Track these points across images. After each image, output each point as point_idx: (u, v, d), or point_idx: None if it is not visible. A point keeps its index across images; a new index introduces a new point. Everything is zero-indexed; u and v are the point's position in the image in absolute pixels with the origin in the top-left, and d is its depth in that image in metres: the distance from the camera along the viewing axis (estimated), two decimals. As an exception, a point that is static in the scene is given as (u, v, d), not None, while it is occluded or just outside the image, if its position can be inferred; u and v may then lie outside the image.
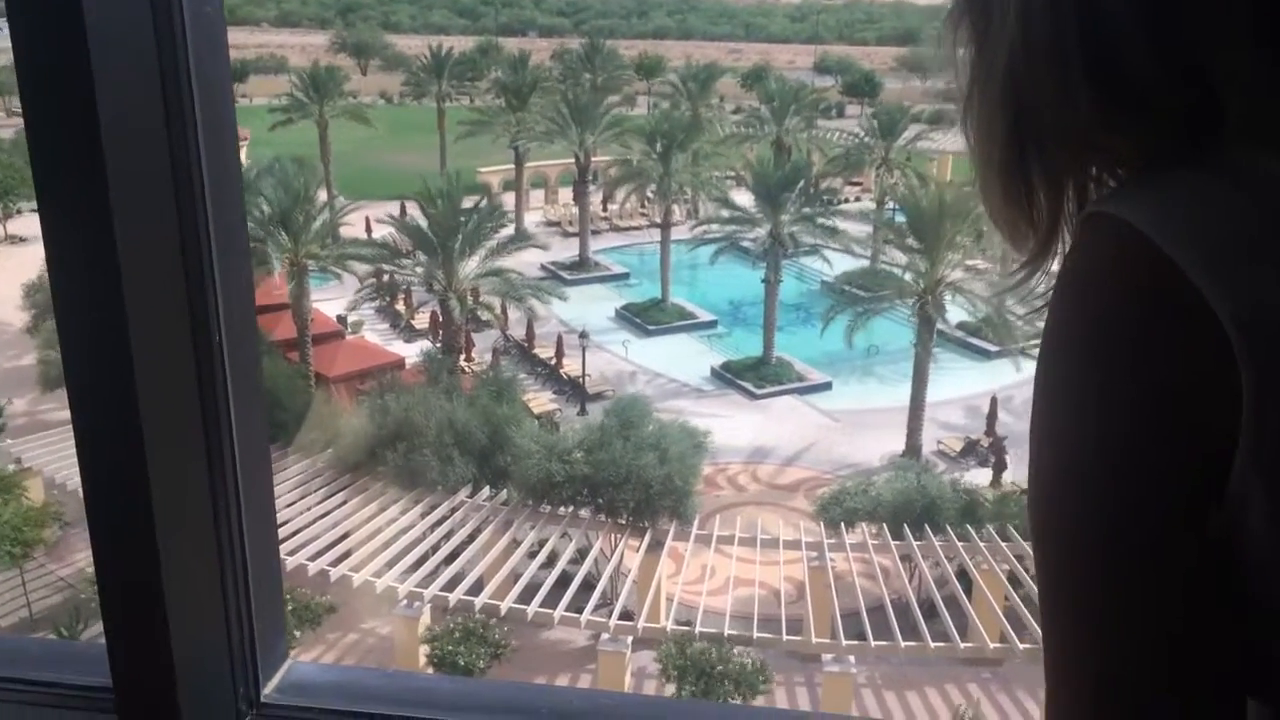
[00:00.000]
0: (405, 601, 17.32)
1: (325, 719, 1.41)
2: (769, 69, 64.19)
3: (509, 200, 40.99)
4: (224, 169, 1.27)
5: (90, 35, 1.08)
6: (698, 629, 16.64)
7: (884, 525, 19.33)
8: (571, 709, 1.42)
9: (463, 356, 28.00)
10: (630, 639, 16.89)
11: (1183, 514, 0.68)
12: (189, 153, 1.23)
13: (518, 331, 30.93)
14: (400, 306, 32.05)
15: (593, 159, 40.41)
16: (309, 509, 19.43)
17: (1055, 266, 0.81)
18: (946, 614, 17.31)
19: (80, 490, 1.30)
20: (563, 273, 37.68)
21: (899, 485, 19.92)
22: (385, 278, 29.94)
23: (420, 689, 1.51)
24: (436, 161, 46.55)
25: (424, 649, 16.83)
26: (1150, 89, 0.72)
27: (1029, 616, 16.54)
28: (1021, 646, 16.22)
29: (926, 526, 18.89)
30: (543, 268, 36.98)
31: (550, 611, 16.88)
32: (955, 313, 27.58)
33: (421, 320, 31.32)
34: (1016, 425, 24.65)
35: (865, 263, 33.74)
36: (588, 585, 17.77)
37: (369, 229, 35.84)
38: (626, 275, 38.69)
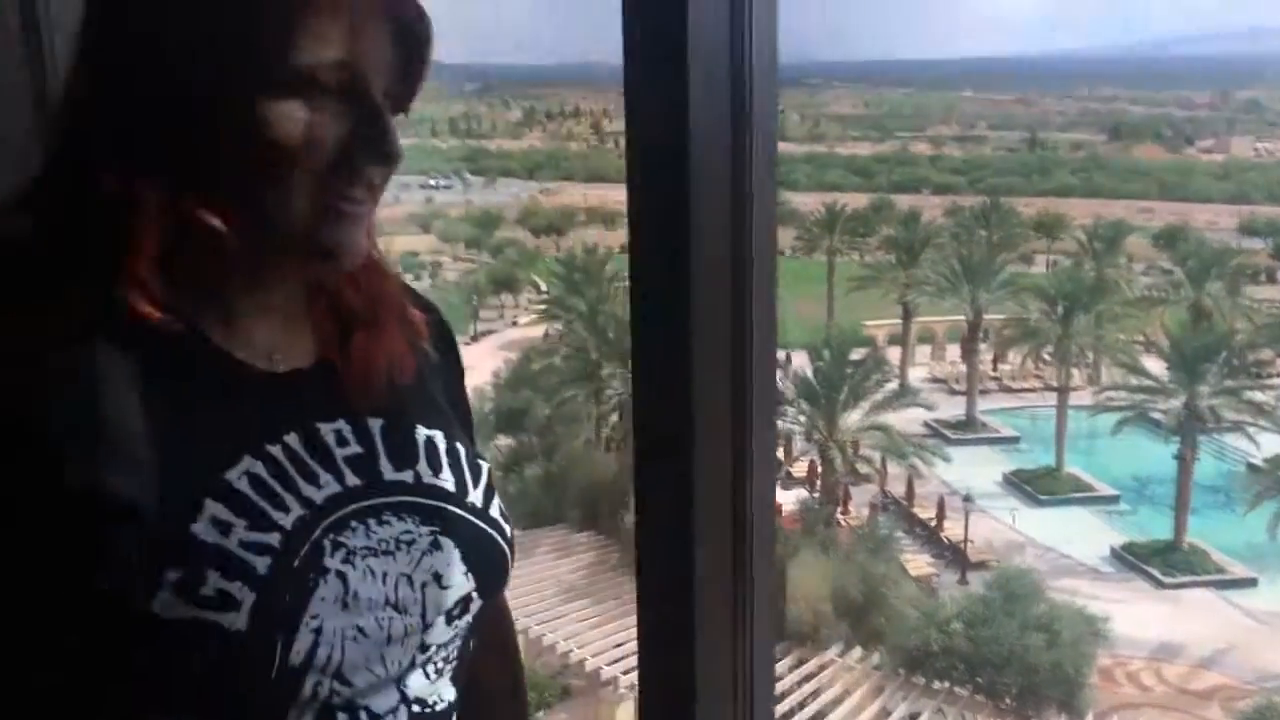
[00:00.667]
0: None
1: None
2: (1186, 228, 59.70)
3: (894, 355, 40.61)
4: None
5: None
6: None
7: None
8: None
9: (839, 509, 27.63)
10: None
11: None
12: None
13: (897, 488, 30.10)
14: (779, 452, 32.34)
15: (984, 316, 39.28)
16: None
17: None
18: None
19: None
20: (947, 431, 36.42)
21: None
22: (767, 424, 30.40)
23: None
24: (824, 313, 47.23)
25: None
26: None
27: None
28: None
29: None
30: (926, 425, 35.98)
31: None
32: None
33: (799, 468, 31.35)
34: None
35: (1301, 445, 29.76)
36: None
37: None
38: (1017, 439, 36.77)
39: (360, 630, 0.84)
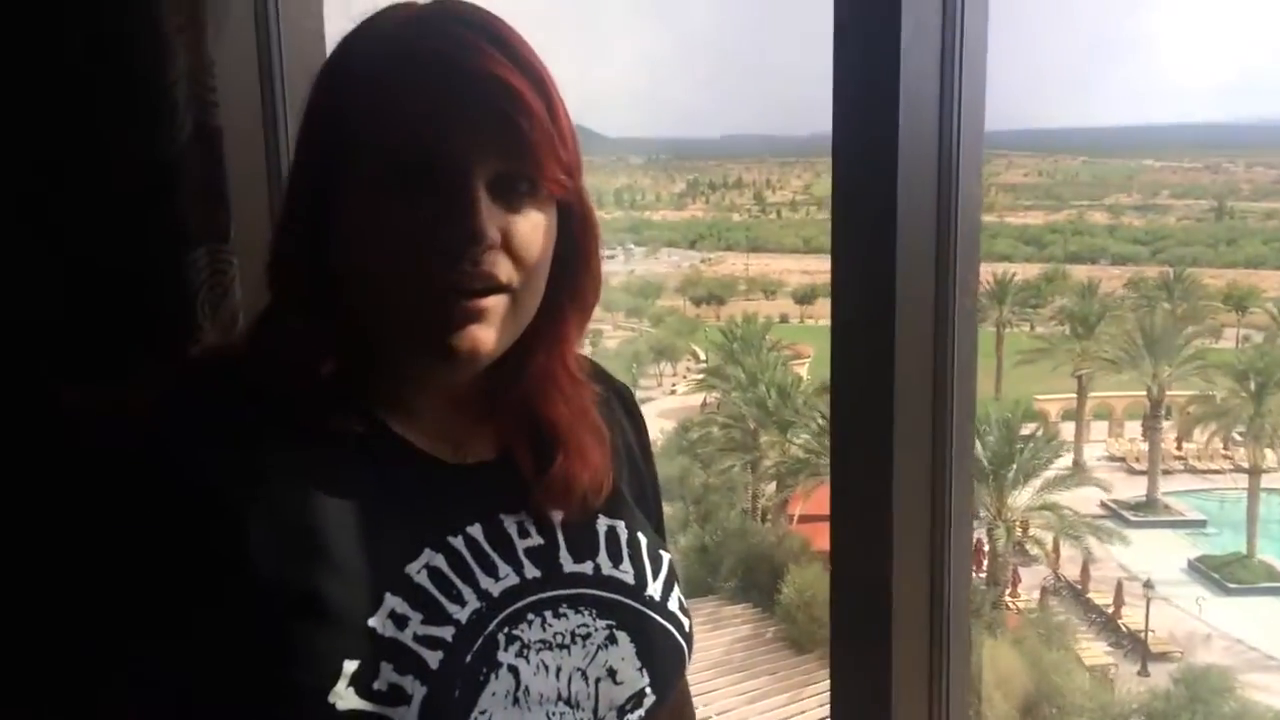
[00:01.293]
0: None
1: None
2: (1390, 302, 55.54)
3: (1067, 431, 38.95)
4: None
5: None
6: None
7: None
8: None
9: (1008, 591, 26.50)
10: None
11: None
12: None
13: (1070, 571, 28.68)
14: (943, 530, 31.33)
15: (1167, 392, 37.36)
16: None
17: None
18: None
19: None
20: (1126, 513, 34.60)
21: None
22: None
23: None
24: (992, 386, 45.80)
25: None
26: None
27: None
28: None
29: None
30: (1103, 505, 34.26)
31: None
32: None
33: (965, 547, 30.25)
34: None
35: None
36: None
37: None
38: (1203, 523, 34.67)
39: None
